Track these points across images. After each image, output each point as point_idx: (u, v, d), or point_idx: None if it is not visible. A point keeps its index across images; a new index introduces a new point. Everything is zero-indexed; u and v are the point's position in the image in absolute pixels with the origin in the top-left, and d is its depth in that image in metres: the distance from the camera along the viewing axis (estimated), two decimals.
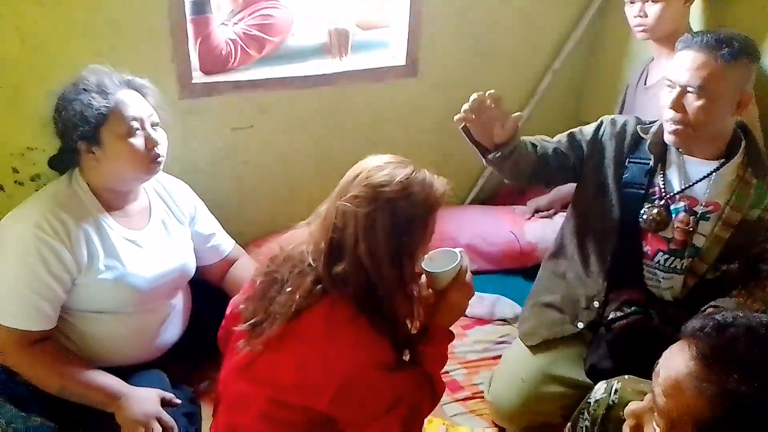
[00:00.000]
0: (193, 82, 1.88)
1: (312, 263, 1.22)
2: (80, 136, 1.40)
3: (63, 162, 1.48)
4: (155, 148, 1.46)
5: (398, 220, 1.15)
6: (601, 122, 1.62)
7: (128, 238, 1.51)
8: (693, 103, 1.36)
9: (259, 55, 2.03)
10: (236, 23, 2.03)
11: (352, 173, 1.21)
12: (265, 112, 2.04)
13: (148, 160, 1.45)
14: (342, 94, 2.13)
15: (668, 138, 1.45)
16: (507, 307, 2.04)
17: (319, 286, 1.20)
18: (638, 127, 1.56)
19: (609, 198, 1.56)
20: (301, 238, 1.27)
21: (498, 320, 2.03)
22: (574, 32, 2.38)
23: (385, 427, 1.24)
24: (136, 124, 1.43)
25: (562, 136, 1.63)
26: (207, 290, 1.77)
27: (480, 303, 2.05)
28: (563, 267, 1.71)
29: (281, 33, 2.06)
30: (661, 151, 1.51)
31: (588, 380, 1.51)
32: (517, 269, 2.16)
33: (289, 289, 1.22)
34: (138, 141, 1.43)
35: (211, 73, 1.96)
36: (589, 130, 1.62)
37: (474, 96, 1.39)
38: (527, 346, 1.65)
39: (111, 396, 1.41)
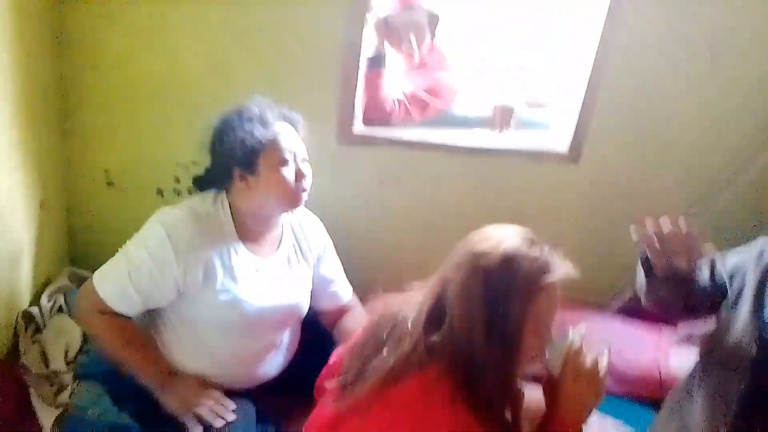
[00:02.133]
0: (353, 130, 1.92)
1: (412, 329, 1.15)
2: (237, 162, 1.45)
3: (209, 183, 1.53)
4: (302, 181, 1.49)
5: (495, 291, 1.06)
6: (758, 246, 1.36)
7: (252, 264, 1.53)
8: None
9: (421, 118, 2.04)
10: (406, 83, 2.07)
11: (463, 241, 1.15)
12: (415, 172, 2.02)
13: (295, 192, 1.48)
14: (495, 169, 2.06)
15: None
16: None
17: (416, 355, 1.12)
18: None
19: (743, 333, 1.30)
20: (411, 302, 1.21)
21: None
22: None
23: None
24: (289, 156, 1.46)
25: (721, 258, 1.39)
26: (317, 332, 1.74)
27: (601, 424, 1.80)
28: (685, 410, 1.44)
29: (447, 99, 2.07)
30: None
31: None
32: (650, 400, 1.88)
33: (384, 353, 1.16)
34: (289, 172, 1.46)
35: (372, 125, 2.00)
36: (740, 253, 1.38)
37: (665, 225, 1.18)
38: None
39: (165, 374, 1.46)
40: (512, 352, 1.10)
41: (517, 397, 1.20)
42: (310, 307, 1.69)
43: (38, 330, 1.60)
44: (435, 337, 1.12)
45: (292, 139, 1.49)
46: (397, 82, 2.09)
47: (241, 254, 1.51)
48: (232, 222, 1.51)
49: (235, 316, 1.48)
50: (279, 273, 1.57)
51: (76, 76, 1.77)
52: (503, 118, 2.06)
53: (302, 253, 1.66)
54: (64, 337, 1.58)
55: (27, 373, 1.50)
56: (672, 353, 1.92)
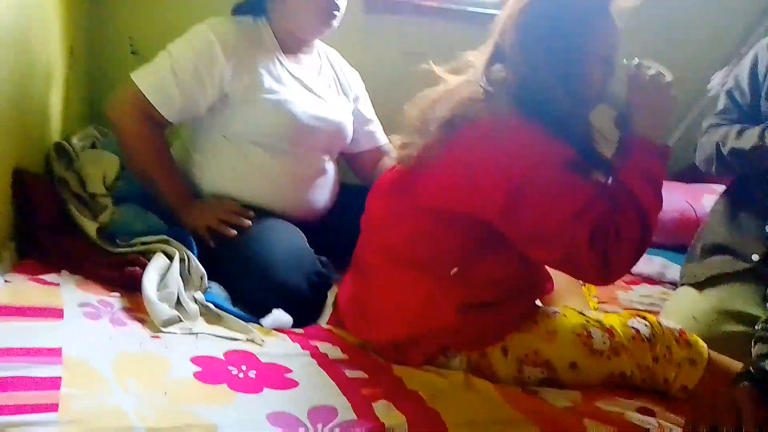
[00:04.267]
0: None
1: (471, 75, 1.15)
2: None
3: (246, 11, 1.52)
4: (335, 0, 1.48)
5: (553, 12, 1.08)
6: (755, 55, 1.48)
7: (297, 75, 1.51)
8: None
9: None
10: None
11: None
12: (439, 44, 2.04)
13: (327, 11, 1.47)
14: None
15: None
16: (679, 272, 1.74)
17: (481, 92, 1.10)
18: None
19: None
20: None
21: (668, 283, 1.74)
22: None
23: (570, 241, 1.03)
24: None
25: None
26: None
27: (648, 263, 1.79)
28: (733, 205, 1.52)
29: None
30: None
31: None
32: None
33: (444, 104, 1.13)
34: None
35: None
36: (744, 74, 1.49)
37: None
38: (693, 285, 1.45)
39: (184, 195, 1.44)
40: (576, 78, 1.10)
41: (589, 132, 1.19)
42: (347, 156, 1.69)
43: (71, 163, 1.52)
44: (495, 68, 1.11)
45: None
46: None
47: (286, 65, 1.50)
48: (273, 36, 1.50)
49: (286, 121, 1.44)
50: (324, 93, 1.56)
51: None
52: None
53: (342, 87, 1.65)
54: (100, 165, 1.50)
55: (64, 189, 1.41)
56: (705, 197, 1.94)
